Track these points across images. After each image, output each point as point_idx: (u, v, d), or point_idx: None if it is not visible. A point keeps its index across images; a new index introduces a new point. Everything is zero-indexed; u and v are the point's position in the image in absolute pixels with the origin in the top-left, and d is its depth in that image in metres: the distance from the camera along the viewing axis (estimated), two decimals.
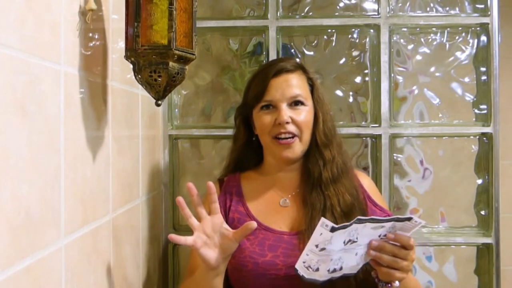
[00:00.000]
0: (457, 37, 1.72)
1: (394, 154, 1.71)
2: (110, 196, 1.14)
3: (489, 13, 1.65)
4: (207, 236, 1.08)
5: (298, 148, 1.30)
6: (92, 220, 1.03)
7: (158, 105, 1.06)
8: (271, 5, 1.69)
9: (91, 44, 1.03)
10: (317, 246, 1.02)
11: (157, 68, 1.00)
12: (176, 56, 1.00)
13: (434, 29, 1.72)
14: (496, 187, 1.65)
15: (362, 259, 1.10)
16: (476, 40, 1.71)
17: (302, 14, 1.74)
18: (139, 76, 1.02)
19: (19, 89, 0.74)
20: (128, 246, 1.30)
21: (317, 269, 1.06)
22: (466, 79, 1.73)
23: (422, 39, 1.73)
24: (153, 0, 0.97)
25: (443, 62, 1.73)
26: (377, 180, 1.66)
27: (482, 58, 1.69)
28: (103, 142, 1.09)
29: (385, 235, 1.07)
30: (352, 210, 1.25)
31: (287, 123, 1.27)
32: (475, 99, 1.72)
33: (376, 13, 1.69)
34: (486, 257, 1.67)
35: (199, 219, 1.11)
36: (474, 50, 1.71)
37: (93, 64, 1.04)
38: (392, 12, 1.69)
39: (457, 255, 1.73)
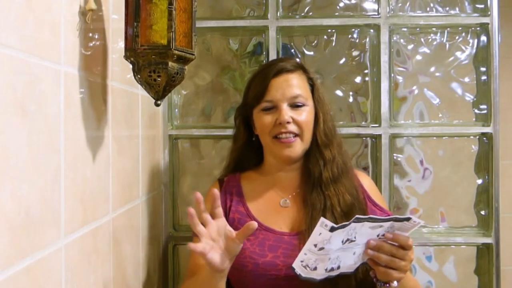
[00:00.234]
0: (457, 37, 1.72)
1: (394, 154, 1.71)
2: (110, 196, 1.14)
3: (489, 13, 1.65)
4: (212, 240, 1.08)
5: (299, 147, 1.30)
6: (92, 220, 1.03)
7: (157, 105, 1.06)
8: (271, 5, 1.69)
9: (91, 44, 1.03)
10: (315, 245, 1.03)
11: (156, 68, 1.00)
12: (175, 56, 1.00)
13: (434, 29, 1.72)
14: (496, 187, 1.65)
15: (360, 258, 1.10)
16: (476, 40, 1.71)
17: (302, 14, 1.74)
18: (139, 76, 1.02)
19: (19, 89, 0.74)
20: (128, 246, 1.30)
21: (315, 268, 1.06)
22: (466, 79, 1.73)
23: (422, 39, 1.73)
24: (153, 0, 0.97)
25: (443, 62, 1.73)
26: (377, 180, 1.66)
27: (482, 58, 1.69)
28: (103, 142, 1.09)
29: (383, 235, 1.07)
30: (352, 210, 1.25)
31: (288, 122, 1.27)
32: (475, 99, 1.72)
33: (376, 13, 1.69)
34: (486, 257, 1.66)
35: (204, 224, 1.10)
36: (474, 50, 1.71)
37: (93, 64, 1.04)
38: (392, 12, 1.69)
39: (457, 255, 1.73)
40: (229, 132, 1.54)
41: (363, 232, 1.05)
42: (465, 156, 1.73)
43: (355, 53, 1.74)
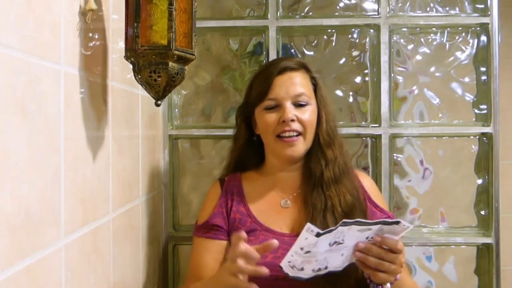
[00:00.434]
0: (457, 37, 1.72)
1: (394, 154, 1.71)
2: (110, 196, 1.14)
3: (489, 13, 1.65)
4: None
5: (301, 146, 1.29)
6: (92, 220, 1.03)
7: (157, 105, 1.06)
8: (271, 5, 1.68)
9: (91, 44, 1.03)
10: (302, 249, 1.02)
11: (156, 68, 1.00)
12: (175, 57, 1.00)
13: (434, 29, 1.72)
14: (496, 187, 1.65)
15: (348, 259, 1.09)
16: (476, 40, 1.71)
17: (302, 14, 1.74)
18: (139, 76, 1.02)
19: (19, 89, 0.74)
20: (128, 246, 1.30)
21: (302, 269, 1.06)
22: (466, 79, 1.73)
23: (422, 39, 1.73)
24: (153, 0, 0.97)
25: (443, 62, 1.73)
26: (377, 180, 1.66)
27: (482, 58, 1.69)
28: (103, 142, 1.09)
29: (373, 237, 1.07)
30: (353, 210, 1.25)
31: (292, 120, 1.26)
32: (475, 99, 1.72)
33: (376, 13, 1.69)
34: (486, 257, 1.66)
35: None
36: (474, 50, 1.71)
37: (93, 64, 1.04)
38: (392, 12, 1.69)
39: (457, 255, 1.73)
40: (229, 132, 1.54)
41: (351, 235, 1.04)
42: (465, 156, 1.73)
43: (355, 53, 1.74)
